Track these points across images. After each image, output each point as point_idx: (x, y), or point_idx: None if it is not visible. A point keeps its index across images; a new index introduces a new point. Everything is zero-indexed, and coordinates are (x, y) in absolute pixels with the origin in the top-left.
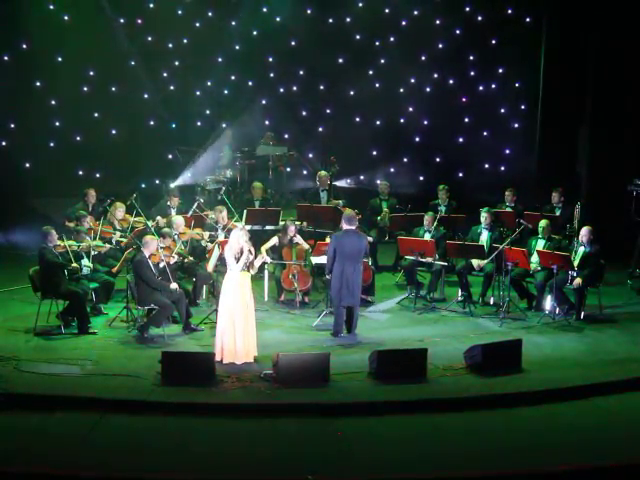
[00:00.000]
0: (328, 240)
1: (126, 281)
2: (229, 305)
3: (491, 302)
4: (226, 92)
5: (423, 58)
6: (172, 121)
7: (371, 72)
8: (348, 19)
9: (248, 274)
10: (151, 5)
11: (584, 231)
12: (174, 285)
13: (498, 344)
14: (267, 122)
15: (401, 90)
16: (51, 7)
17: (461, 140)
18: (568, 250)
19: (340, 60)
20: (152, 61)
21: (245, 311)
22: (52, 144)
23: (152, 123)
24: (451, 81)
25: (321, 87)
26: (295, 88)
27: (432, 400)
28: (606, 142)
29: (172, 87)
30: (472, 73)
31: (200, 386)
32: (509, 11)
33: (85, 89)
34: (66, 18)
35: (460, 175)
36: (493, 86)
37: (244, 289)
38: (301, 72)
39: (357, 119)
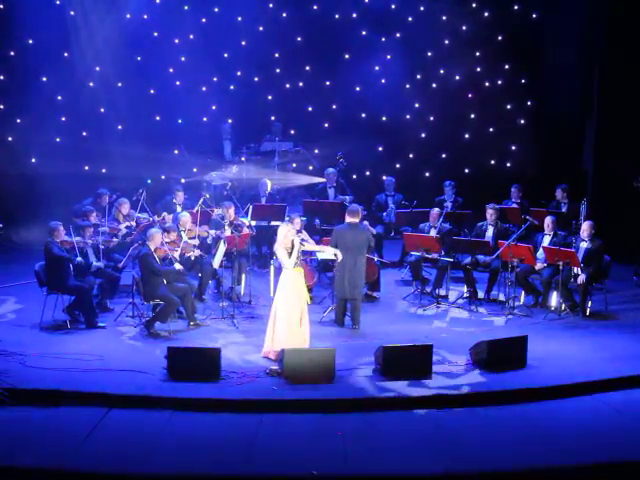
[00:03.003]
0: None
1: (132, 276)
2: (275, 301)
3: (499, 298)
4: (232, 87)
5: (429, 54)
6: (178, 117)
7: (377, 68)
8: (354, 15)
9: (302, 271)
10: (157, 0)
11: (585, 226)
12: (178, 265)
13: (504, 340)
14: (273, 118)
15: (407, 86)
16: (57, 2)
17: (467, 136)
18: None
19: (346, 56)
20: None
21: (287, 308)
22: (58, 139)
23: (158, 118)
24: (457, 77)
25: (327, 83)
26: (301, 84)
27: (438, 396)
28: (612, 138)
29: (178, 82)
30: (478, 69)
31: (206, 381)
32: (515, 7)
33: (91, 84)
34: (72, 13)
35: (466, 171)
36: (499, 82)
37: (293, 287)
38: (307, 68)
39: (363, 115)
